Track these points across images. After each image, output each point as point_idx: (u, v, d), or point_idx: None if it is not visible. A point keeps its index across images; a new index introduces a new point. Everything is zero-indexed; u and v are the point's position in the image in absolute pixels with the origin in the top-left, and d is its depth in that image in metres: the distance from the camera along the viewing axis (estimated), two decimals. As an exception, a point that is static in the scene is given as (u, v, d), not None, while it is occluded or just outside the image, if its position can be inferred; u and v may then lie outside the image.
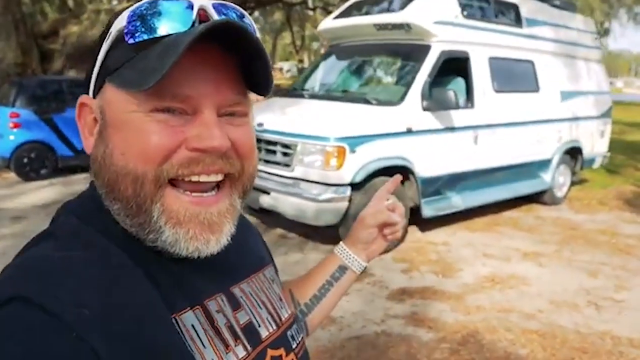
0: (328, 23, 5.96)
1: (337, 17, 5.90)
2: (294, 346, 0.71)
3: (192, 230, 0.56)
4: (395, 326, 3.38)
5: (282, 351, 0.67)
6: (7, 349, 0.44)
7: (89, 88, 0.61)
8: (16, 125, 7.31)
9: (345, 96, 5.21)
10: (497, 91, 5.49)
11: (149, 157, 0.54)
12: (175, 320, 0.55)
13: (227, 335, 0.60)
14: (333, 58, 6.03)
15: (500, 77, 5.54)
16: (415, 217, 5.02)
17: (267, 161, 4.71)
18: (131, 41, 0.54)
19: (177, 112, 0.55)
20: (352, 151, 4.27)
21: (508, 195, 5.91)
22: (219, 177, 0.58)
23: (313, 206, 4.26)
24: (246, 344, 0.62)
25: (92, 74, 0.60)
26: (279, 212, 4.56)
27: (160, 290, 0.55)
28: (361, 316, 3.51)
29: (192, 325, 0.56)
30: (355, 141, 4.29)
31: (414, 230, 5.30)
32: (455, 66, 5.22)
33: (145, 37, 0.54)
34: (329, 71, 5.93)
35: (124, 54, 0.55)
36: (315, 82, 5.94)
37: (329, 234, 4.79)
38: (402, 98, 4.72)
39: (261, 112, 4.98)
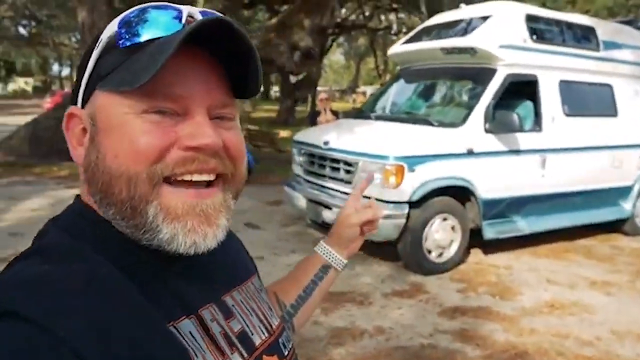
0: (398, 48, 6.18)
1: (406, 42, 6.11)
2: (285, 353, 0.71)
3: (190, 222, 0.56)
4: (443, 341, 3.45)
5: (275, 358, 0.68)
6: None
7: (76, 100, 0.62)
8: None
9: (408, 118, 5.39)
10: (568, 115, 5.38)
11: (141, 157, 0.54)
12: (175, 328, 0.55)
13: (222, 343, 0.60)
14: (401, 81, 6.22)
15: (572, 101, 5.43)
16: (477, 239, 5.02)
17: (330, 177, 4.97)
18: (123, 45, 0.56)
19: (169, 113, 0.56)
20: (411, 170, 4.41)
21: (580, 221, 5.70)
22: (212, 177, 0.59)
23: (371, 222, 4.43)
24: (242, 351, 0.62)
25: (80, 84, 0.61)
26: (339, 226, 4.77)
27: (155, 299, 0.55)
28: (410, 329, 3.62)
29: (190, 333, 0.56)
30: (414, 160, 4.44)
31: (476, 252, 5.29)
32: (523, 89, 5.21)
33: (137, 40, 0.56)
34: (396, 94, 6.13)
35: (116, 58, 0.57)
36: (382, 104, 6.16)
37: (388, 251, 4.93)
38: (464, 120, 4.80)
39: (328, 132, 5.28)
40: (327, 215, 4.85)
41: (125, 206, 0.55)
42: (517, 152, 4.99)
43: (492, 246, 5.26)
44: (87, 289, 0.50)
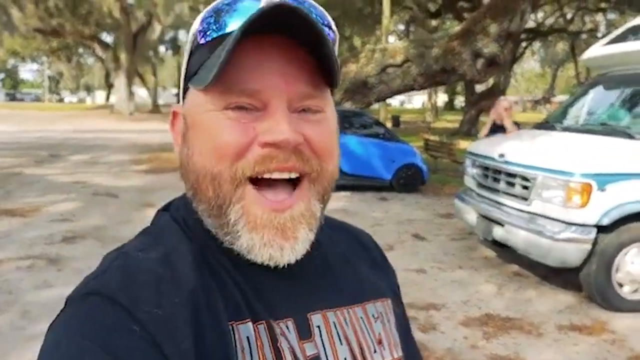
0: (597, 50, 5.46)
1: (608, 43, 5.36)
2: None
3: (266, 235, 0.54)
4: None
5: None
6: (81, 342, 0.47)
7: (179, 98, 0.63)
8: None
9: (603, 129, 4.68)
10: None
11: (222, 154, 0.54)
12: (232, 328, 0.53)
13: (288, 358, 0.55)
14: (598, 89, 5.46)
15: None
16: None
17: (505, 192, 4.60)
18: (202, 41, 0.56)
19: (249, 108, 0.54)
20: (601, 189, 3.84)
21: None
22: (294, 175, 0.55)
23: (548, 244, 3.98)
24: None
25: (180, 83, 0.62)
26: (511, 245, 4.40)
27: (226, 295, 0.55)
28: (587, 372, 3.14)
29: (247, 338, 0.54)
30: (605, 179, 3.86)
31: (686, 293, 4.37)
32: None
33: (215, 35, 0.55)
34: (591, 103, 5.39)
35: (201, 55, 0.56)
36: (573, 115, 5.48)
37: (569, 279, 4.36)
38: (676, 133, 4.02)
39: (504, 144, 4.90)
40: (498, 232, 4.50)
41: (212, 204, 0.55)
42: None
43: None
44: (166, 280, 0.52)
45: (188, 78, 0.59)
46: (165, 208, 0.65)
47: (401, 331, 0.70)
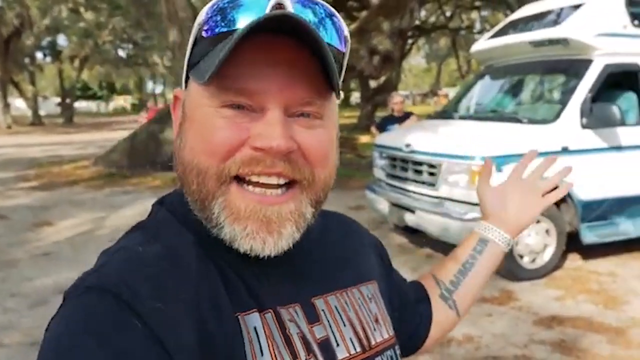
0: (482, 44, 5.92)
1: (491, 37, 5.84)
2: None
3: (249, 226, 0.53)
4: (539, 352, 3.21)
5: None
6: (82, 337, 0.46)
7: (182, 82, 0.62)
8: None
9: (495, 116, 5.12)
10: (678, 105, 4.86)
11: (212, 152, 0.53)
12: (238, 319, 0.53)
13: (298, 345, 0.56)
14: (486, 79, 5.95)
15: (683, 90, 4.89)
16: (576, 244, 4.65)
17: (413, 180, 4.84)
18: (205, 35, 0.54)
19: (245, 108, 0.53)
20: (499, 170, 4.17)
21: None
22: (281, 181, 0.54)
23: (457, 225, 4.26)
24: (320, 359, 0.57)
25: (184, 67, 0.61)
26: (423, 230, 4.64)
27: (230, 286, 0.54)
28: (502, 338, 3.41)
29: (255, 328, 0.54)
30: (502, 160, 4.19)
31: (574, 258, 4.90)
32: (625, 80, 4.78)
33: (217, 30, 0.53)
34: (481, 92, 5.86)
35: (203, 47, 0.55)
36: (466, 104, 5.92)
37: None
38: (558, 116, 4.48)
39: (410, 134, 5.15)
40: (411, 218, 4.72)
41: (196, 197, 0.55)
42: (618, 148, 4.57)
43: (593, 251, 4.85)
44: (168, 273, 0.52)
45: (190, 65, 0.58)
46: (160, 202, 0.64)
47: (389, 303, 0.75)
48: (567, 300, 4.00)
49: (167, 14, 10.76)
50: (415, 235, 5.28)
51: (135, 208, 7.57)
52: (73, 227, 6.48)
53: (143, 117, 24.95)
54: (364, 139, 13.89)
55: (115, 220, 6.84)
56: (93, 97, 58.26)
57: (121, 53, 35.98)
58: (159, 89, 54.79)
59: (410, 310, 0.81)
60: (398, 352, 0.69)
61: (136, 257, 0.54)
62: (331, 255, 0.67)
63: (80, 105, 56.05)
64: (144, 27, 25.07)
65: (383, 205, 5.24)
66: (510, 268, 4.36)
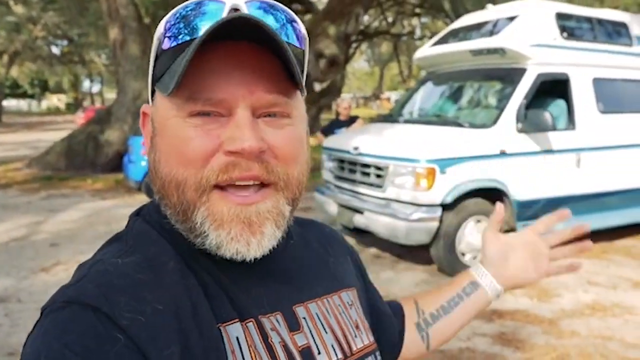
0: (424, 51, 6.15)
1: (433, 45, 6.08)
2: None
3: (233, 230, 0.54)
4: (481, 344, 3.40)
5: None
6: (63, 352, 0.46)
7: (149, 98, 0.62)
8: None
9: (438, 120, 5.36)
10: (603, 112, 5.27)
11: (187, 162, 0.53)
12: (219, 330, 0.53)
13: (280, 354, 0.56)
14: (429, 85, 6.19)
15: (607, 98, 5.31)
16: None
17: (361, 182, 4.97)
18: (169, 43, 0.55)
19: (213, 114, 0.54)
20: (442, 172, 4.38)
21: (621, 221, 5.55)
22: (257, 183, 0.55)
23: (404, 226, 4.42)
24: None
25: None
26: (371, 231, 4.77)
27: (210, 297, 0.55)
28: (447, 333, 3.57)
29: (237, 338, 0.54)
30: (445, 162, 4.40)
31: (511, 255, 5.19)
32: (555, 88, 5.12)
33: (181, 38, 0.54)
34: (424, 97, 6.10)
35: (166, 59, 0.56)
36: (410, 108, 6.14)
37: (421, 255, 4.89)
38: (495, 121, 4.75)
39: (357, 137, 5.28)
40: (359, 220, 4.84)
41: (177, 210, 0.56)
42: (550, 151, 4.90)
43: (528, 248, 5.15)
44: (147, 284, 0.52)
45: (154, 79, 0.59)
46: (137, 212, 0.64)
47: (368, 304, 0.77)
48: (506, 295, 4.21)
49: (108, 11, 10.41)
50: (363, 236, 5.41)
51: (76, 212, 7.28)
52: (6, 232, 6.17)
53: (80, 117, 23.95)
54: (311, 141, 13.97)
55: (55, 225, 6.56)
56: (24, 95, 55.14)
57: (55, 50, 34.34)
58: (96, 88, 52.65)
59: (386, 321, 0.82)
60: (379, 358, 0.69)
61: (114, 269, 0.53)
62: (311, 262, 0.68)
63: (10, 103, 52.95)
64: (79, 24, 24.05)
65: (332, 207, 5.33)
66: (454, 266, 4.56)
